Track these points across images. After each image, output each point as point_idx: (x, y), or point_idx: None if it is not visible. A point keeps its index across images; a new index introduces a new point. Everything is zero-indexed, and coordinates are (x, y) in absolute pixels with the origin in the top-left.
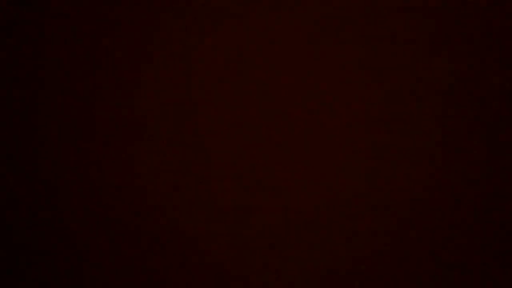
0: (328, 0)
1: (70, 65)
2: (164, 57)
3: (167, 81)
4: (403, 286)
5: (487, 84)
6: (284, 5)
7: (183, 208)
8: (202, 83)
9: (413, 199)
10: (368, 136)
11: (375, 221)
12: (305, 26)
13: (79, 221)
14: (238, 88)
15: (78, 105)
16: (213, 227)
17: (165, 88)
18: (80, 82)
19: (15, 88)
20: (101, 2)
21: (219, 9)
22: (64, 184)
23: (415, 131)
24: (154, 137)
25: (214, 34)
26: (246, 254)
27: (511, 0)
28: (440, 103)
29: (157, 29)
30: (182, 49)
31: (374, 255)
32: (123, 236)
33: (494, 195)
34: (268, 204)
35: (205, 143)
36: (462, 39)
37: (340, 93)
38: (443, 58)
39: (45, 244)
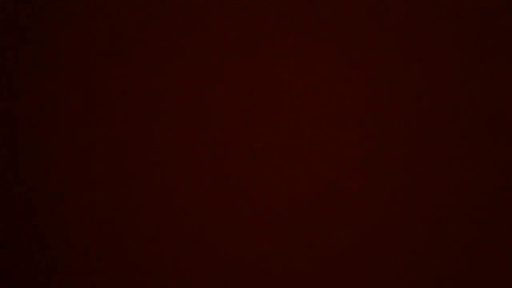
0: (329, 2)
1: (69, 65)
2: (163, 57)
3: (166, 81)
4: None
5: (489, 84)
6: (283, 5)
7: (181, 208)
8: (201, 83)
9: (412, 199)
10: (367, 137)
11: (374, 221)
12: (305, 26)
13: (79, 222)
14: (237, 88)
15: (77, 106)
16: (212, 227)
17: (164, 88)
18: (79, 82)
19: (16, 88)
20: (99, 2)
21: (218, 8)
22: (64, 185)
23: (415, 131)
24: (151, 137)
25: (214, 33)
26: (245, 253)
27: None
28: (440, 102)
29: (155, 29)
30: (180, 49)
31: (372, 254)
32: (122, 238)
33: (495, 196)
34: (267, 204)
35: (203, 143)
36: (463, 37)
37: (339, 93)
38: (444, 58)
39: (44, 244)
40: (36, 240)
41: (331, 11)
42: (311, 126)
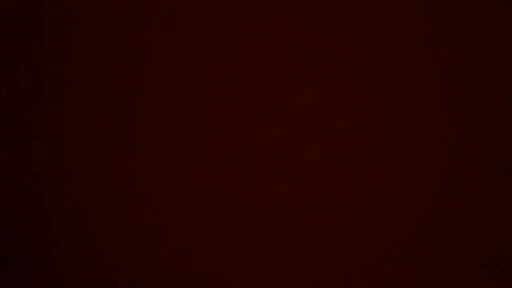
0: (328, 2)
1: (69, 65)
2: (166, 60)
3: (168, 83)
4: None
5: (489, 84)
6: (284, 7)
7: (182, 208)
8: (204, 86)
9: (415, 201)
10: (367, 137)
11: (379, 224)
12: (306, 27)
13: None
14: (240, 90)
15: (77, 107)
16: (210, 232)
17: (165, 90)
18: (80, 83)
19: (16, 89)
20: (101, 3)
21: (221, 12)
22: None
23: (417, 133)
24: (153, 138)
25: (216, 37)
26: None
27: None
28: (442, 103)
29: (158, 31)
30: (180, 49)
31: (379, 257)
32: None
33: (495, 196)
34: (266, 205)
35: (206, 146)
36: (463, 38)
37: (342, 96)
38: (444, 57)
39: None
40: (36, 240)
41: (332, 10)
42: (311, 126)
